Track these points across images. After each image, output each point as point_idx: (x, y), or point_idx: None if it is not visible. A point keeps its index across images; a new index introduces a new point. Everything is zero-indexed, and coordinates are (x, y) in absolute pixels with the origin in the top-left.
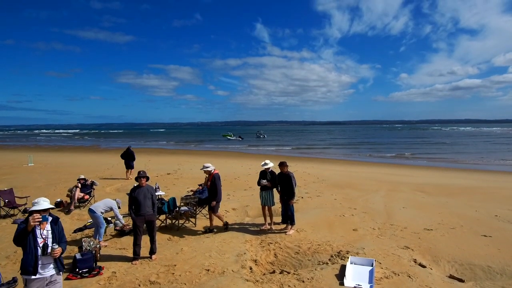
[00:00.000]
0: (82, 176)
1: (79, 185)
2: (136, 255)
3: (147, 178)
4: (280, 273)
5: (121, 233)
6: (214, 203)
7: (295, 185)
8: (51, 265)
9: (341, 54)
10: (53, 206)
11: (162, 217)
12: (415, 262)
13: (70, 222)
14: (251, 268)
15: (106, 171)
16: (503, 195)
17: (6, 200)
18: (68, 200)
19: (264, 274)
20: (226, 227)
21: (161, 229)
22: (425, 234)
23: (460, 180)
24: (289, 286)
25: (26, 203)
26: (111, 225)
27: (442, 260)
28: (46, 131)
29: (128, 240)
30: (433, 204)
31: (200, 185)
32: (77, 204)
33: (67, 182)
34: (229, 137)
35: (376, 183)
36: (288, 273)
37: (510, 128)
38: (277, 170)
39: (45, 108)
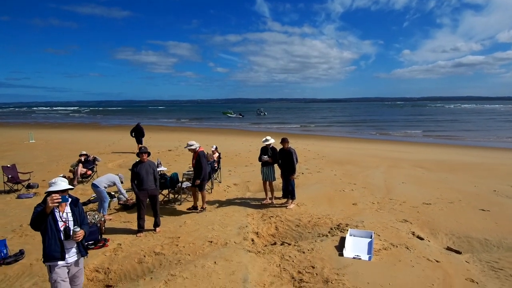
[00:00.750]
0: (84, 152)
1: (82, 159)
2: (141, 228)
3: (148, 154)
4: (281, 244)
5: (125, 207)
6: (198, 181)
7: (297, 161)
8: (74, 250)
9: (343, 30)
10: (72, 187)
11: (165, 191)
12: (413, 234)
13: None
14: (253, 240)
15: (107, 148)
16: (503, 171)
17: (10, 176)
18: (71, 175)
19: (265, 246)
20: (202, 210)
21: (164, 203)
22: (424, 208)
23: (460, 156)
24: (290, 256)
25: (29, 179)
26: (115, 200)
27: (440, 233)
28: (45, 108)
29: (132, 213)
30: (433, 179)
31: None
32: (80, 180)
33: (69, 158)
34: (229, 115)
35: (376, 159)
36: (289, 244)
37: None
38: (278, 147)
39: (44, 85)
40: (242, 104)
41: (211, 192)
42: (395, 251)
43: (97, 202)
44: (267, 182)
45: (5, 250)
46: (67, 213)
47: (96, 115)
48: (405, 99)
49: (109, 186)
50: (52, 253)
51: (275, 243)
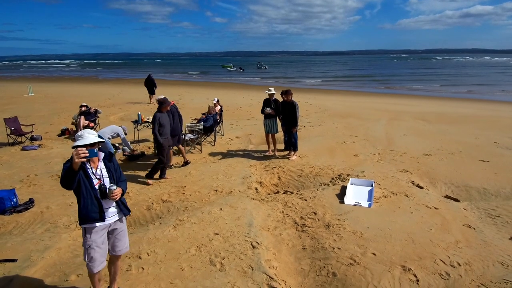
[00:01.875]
0: (84, 104)
1: (83, 110)
2: (163, 175)
3: (168, 104)
4: (284, 193)
5: (130, 157)
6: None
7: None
8: (113, 209)
9: None
10: (103, 140)
11: None
12: (413, 183)
13: None
14: (256, 189)
15: (107, 101)
16: (503, 123)
17: (12, 128)
18: (74, 128)
19: (268, 194)
20: (185, 163)
21: None
22: (424, 159)
23: (462, 109)
24: (292, 204)
25: (32, 131)
26: (119, 151)
27: (439, 182)
28: (40, 61)
29: (138, 163)
30: (434, 131)
31: (203, 114)
32: None
33: (70, 111)
34: (229, 68)
35: (378, 112)
36: (292, 193)
37: None
38: (280, 99)
39: (37, 38)
40: (242, 57)
41: (214, 145)
42: (394, 199)
43: None
44: (270, 135)
45: (15, 199)
46: (101, 169)
47: (94, 68)
48: (409, 51)
49: (113, 137)
50: (89, 213)
51: (278, 192)
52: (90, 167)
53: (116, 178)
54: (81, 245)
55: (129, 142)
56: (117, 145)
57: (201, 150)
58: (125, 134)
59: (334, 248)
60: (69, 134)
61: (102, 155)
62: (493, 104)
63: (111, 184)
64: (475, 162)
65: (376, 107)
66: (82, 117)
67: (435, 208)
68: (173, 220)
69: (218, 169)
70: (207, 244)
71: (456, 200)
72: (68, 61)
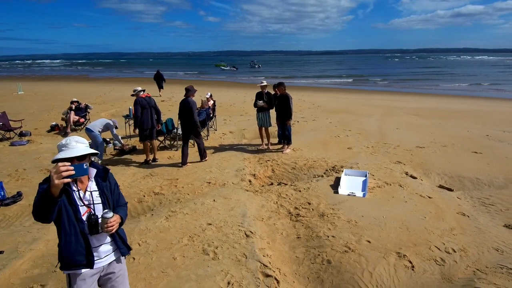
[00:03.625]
0: (75, 99)
1: (73, 107)
2: (184, 164)
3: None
4: (278, 184)
5: (121, 152)
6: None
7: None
8: (107, 247)
9: None
10: (96, 151)
11: (161, 138)
12: (407, 174)
13: None
14: (250, 181)
15: (98, 98)
16: (495, 118)
17: (1, 123)
18: (64, 123)
19: (262, 186)
20: (146, 162)
21: (161, 148)
22: (417, 151)
23: (455, 105)
24: (286, 195)
25: (21, 126)
26: (110, 145)
27: (433, 173)
28: (30, 61)
29: (129, 157)
30: (427, 125)
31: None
32: (73, 127)
33: (60, 109)
34: (222, 67)
35: (371, 108)
36: (286, 184)
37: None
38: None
39: (28, 37)
40: (235, 56)
41: (207, 139)
42: (388, 189)
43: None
44: (263, 128)
45: (2, 192)
46: (91, 192)
47: (85, 67)
48: (402, 51)
49: (103, 131)
50: (73, 256)
51: (272, 184)
52: (76, 189)
53: (113, 203)
54: None
55: (120, 137)
56: (108, 139)
57: (193, 144)
58: (116, 127)
59: (328, 237)
60: (59, 130)
61: (93, 172)
62: (486, 100)
63: (106, 211)
64: (467, 154)
65: (368, 103)
66: (72, 112)
67: (429, 197)
68: (165, 211)
69: (211, 163)
70: (200, 234)
71: (450, 189)
72: (57, 60)
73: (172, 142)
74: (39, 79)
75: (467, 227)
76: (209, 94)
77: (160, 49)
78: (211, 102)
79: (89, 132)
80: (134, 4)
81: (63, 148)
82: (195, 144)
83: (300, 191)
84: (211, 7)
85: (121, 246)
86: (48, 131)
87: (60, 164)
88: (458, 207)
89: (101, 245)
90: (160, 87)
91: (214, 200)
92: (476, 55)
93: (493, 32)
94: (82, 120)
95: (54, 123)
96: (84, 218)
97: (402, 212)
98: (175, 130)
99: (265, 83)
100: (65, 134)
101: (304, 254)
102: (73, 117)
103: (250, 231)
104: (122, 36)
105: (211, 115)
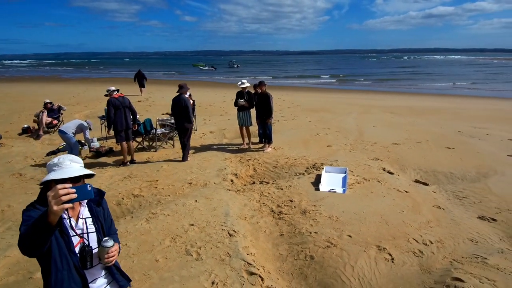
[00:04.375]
0: (48, 100)
1: (47, 107)
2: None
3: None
4: (260, 183)
5: (97, 154)
6: (111, 132)
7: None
8: (103, 281)
9: None
10: (93, 172)
11: (139, 139)
12: (384, 170)
13: (41, 147)
14: (232, 181)
15: (72, 99)
16: (466, 114)
17: None
18: (36, 126)
19: (244, 185)
20: (124, 164)
21: (139, 150)
22: (393, 148)
23: (428, 102)
24: (268, 193)
25: None
26: (86, 147)
27: (409, 168)
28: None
29: (106, 160)
30: (402, 123)
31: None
32: (46, 130)
33: (31, 110)
34: (201, 67)
35: (348, 106)
36: (267, 183)
37: (478, 57)
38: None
39: None
40: (213, 56)
41: None
42: (367, 184)
43: (66, 151)
44: (244, 127)
45: None
46: (84, 219)
47: (57, 67)
48: (376, 51)
49: (77, 132)
50: None
51: (254, 183)
52: (66, 217)
53: (107, 230)
54: None
55: (95, 138)
56: (83, 141)
57: (173, 145)
58: (90, 129)
59: (311, 233)
60: (31, 132)
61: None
62: (457, 98)
63: (106, 239)
64: (441, 150)
65: (346, 102)
66: (45, 113)
67: (406, 191)
68: (145, 213)
69: (192, 163)
70: (182, 235)
71: (425, 184)
72: (27, 61)
73: (150, 143)
74: (9, 80)
75: (443, 220)
76: (188, 93)
77: (136, 48)
78: (191, 101)
79: (62, 134)
80: (108, 3)
81: (54, 168)
82: (175, 144)
83: (282, 189)
84: (188, 6)
85: (119, 278)
86: (20, 134)
87: (59, 186)
88: (433, 200)
89: (95, 279)
90: (142, 86)
91: (196, 200)
92: (447, 54)
93: (463, 32)
94: (55, 122)
95: (26, 126)
96: (76, 250)
97: (381, 207)
98: (154, 130)
99: (245, 85)
100: (37, 137)
101: (288, 250)
102: (45, 119)
103: (233, 230)
104: (96, 35)
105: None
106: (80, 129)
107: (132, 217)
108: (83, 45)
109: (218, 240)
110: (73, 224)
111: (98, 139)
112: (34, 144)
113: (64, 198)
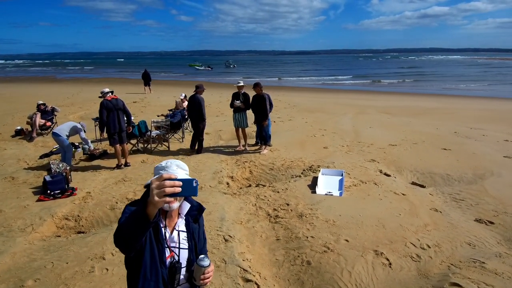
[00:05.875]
0: (41, 102)
1: (40, 109)
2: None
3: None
4: (256, 186)
5: (91, 157)
6: (104, 134)
7: (272, 106)
8: None
9: None
10: (195, 179)
11: (134, 141)
12: (381, 172)
13: (34, 149)
14: (228, 184)
15: (66, 100)
16: (462, 115)
17: None
18: (29, 127)
19: (240, 188)
20: (118, 167)
21: (134, 152)
22: (390, 149)
23: (423, 103)
24: (265, 196)
25: None
26: (79, 150)
27: (405, 170)
28: None
29: (100, 163)
30: (398, 123)
31: (170, 110)
32: (40, 131)
33: (25, 112)
34: (197, 67)
35: (344, 107)
36: (264, 186)
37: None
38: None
39: None
40: (209, 56)
41: (183, 141)
42: (364, 187)
43: (60, 154)
44: (240, 129)
45: None
46: (178, 232)
47: (52, 67)
48: (372, 51)
49: (71, 135)
50: None
51: (250, 186)
52: (163, 225)
53: (199, 249)
54: (39, 249)
55: (90, 140)
56: (77, 144)
57: (168, 147)
58: (84, 131)
59: (307, 237)
60: (24, 134)
61: (186, 207)
62: (451, 98)
63: (203, 257)
64: (437, 151)
65: (342, 102)
66: (38, 115)
67: (403, 194)
68: None
69: (187, 165)
70: None
71: (422, 186)
72: (20, 61)
73: (145, 145)
74: (2, 80)
75: (440, 223)
76: (183, 95)
77: (132, 48)
78: (186, 103)
79: (56, 136)
80: (103, 3)
81: (161, 171)
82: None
83: (278, 192)
84: (183, 6)
85: None
86: (13, 136)
87: (165, 175)
88: (430, 203)
89: None
90: (147, 84)
91: None
92: (442, 54)
93: (458, 32)
94: (48, 123)
95: (19, 127)
96: (167, 261)
97: (378, 210)
98: (149, 132)
99: (242, 84)
100: (30, 139)
101: (284, 256)
102: (39, 120)
103: (229, 235)
104: (90, 35)
105: (186, 116)
106: (75, 131)
107: None
108: (77, 45)
109: (213, 245)
110: (167, 235)
111: (92, 141)
112: (27, 146)
113: (168, 190)
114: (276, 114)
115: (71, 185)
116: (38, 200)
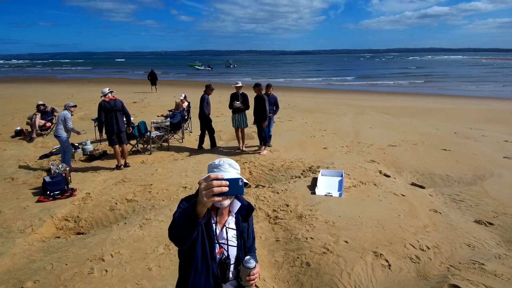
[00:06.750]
0: (41, 102)
1: (40, 109)
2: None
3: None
4: (256, 187)
5: (91, 157)
6: (104, 135)
7: (278, 108)
8: None
9: None
10: (247, 181)
11: (133, 141)
12: (380, 173)
13: (34, 150)
14: None
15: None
16: (461, 115)
17: None
18: (29, 128)
19: None
20: (118, 167)
21: (133, 153)
22: (390, 150)
23: (422, 103)
24: (264, 197)
25: None
26: (79, 151)
27: (405, 171)
28: None
29: (99, 163)
30: (398, 124)
31: (170, 110)
32: (39, 132)
33: (25, 112)
34: (197, 67)
35: (344, 107)
36: (263, 186)
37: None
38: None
39: None
40: (209, 56)
41: (182, 142)
42: (364, 188)
43: (60, 154)
44: (239, 130)
45: None
46: (228, 228)
47: (51, 67)
48: (372, 51)
49: (66, 127)
50: None
51: (249, 186)
52: (214, 221)
53: (248, 248)
54: (38, 250)
55: (89, 141)
56: (77, 144)
57: (168, 148)
58: (72, 114)
59: (307, 238)
60: (24, 135)
61: (236, 206)
62: (451, 98)
63: (249, 258)
64: (437, 151)
65: (342, 103)
66: (38, 116)
67: (402, 195)
68: (139, 219)
69: (186, 166)
70: None
71: (422, 187)
72: (20, 61)
73: (145, 146)
74: (2, 81)
75: (440, 224)
76: (183, 95)
77: (132, 48)
78: (186, 103)
79: (57, 137)
80: (103, 2)
81: (214, 170)
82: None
83: (278, 193)
84: (184, 6)
85: None
86: (13, 137)
87: (212, 175)
88: (430, 204)
89: None
90: (154, 84)
91: None
92: (443, 54)
93: (458, 32)
94: (48, 124)
95: (19, 128)
96: (217, 257)
97: (378, 211)
98: (148, 133)
99: (240, 85)
100: (30, 140)
101: (283, 257)
102: (38, 121)
103: None
104: (91, 35)
105: (186, 117)
106: (63, 121)
107: (125, 223)
108: (78, 45)
109: None
110: (218, 231)
111: (91, 142)
112: (27, 147)
113: (216, 190)
114: (276, 115)
115: (70, 186)
116: (38, 201)
